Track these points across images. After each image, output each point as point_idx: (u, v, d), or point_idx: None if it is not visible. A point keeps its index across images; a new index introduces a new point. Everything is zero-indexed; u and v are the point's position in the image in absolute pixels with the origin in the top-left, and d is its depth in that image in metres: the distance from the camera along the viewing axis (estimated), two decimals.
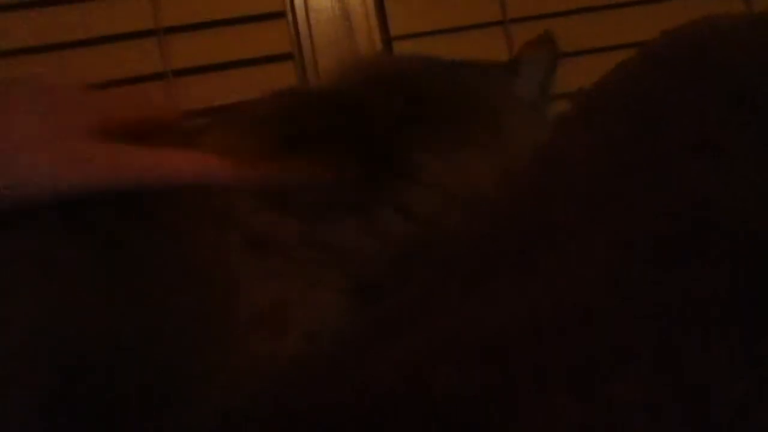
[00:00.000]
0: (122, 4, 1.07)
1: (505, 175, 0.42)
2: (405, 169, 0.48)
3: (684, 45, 0.39)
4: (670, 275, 0.30)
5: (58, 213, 0.41)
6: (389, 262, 0.42)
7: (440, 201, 0.47)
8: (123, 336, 0.40)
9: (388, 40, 1.13)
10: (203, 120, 0.59)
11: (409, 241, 0.44)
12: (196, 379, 0.39)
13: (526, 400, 0.29)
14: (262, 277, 0.41)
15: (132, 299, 0.41)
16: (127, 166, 0.43)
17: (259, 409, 0.37)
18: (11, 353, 0.38)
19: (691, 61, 0.37)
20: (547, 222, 0.35)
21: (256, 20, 1.10)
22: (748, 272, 0.30)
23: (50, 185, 0.41)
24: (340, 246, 0.44)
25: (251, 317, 0.41)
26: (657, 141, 0.35)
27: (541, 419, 0.28)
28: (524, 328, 0.31)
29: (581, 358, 0.29)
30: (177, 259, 0.42)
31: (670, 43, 0.40)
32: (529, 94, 0.68)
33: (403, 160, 0.48)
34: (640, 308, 0.30)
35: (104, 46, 1.06)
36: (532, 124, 0.64)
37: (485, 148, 0.54)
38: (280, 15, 1.11)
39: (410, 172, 0.48)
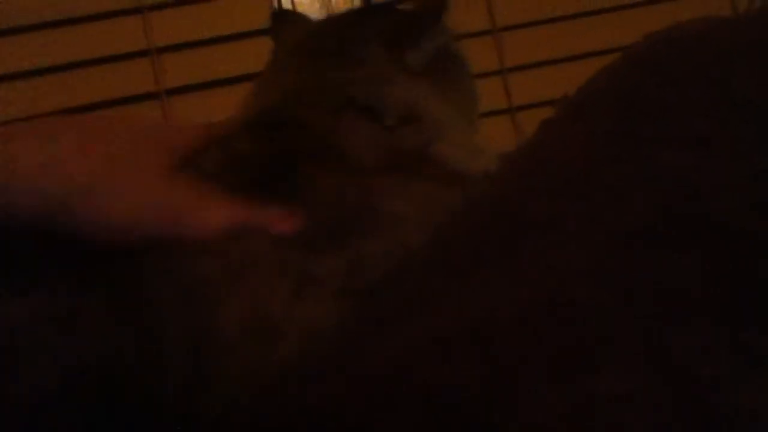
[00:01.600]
0: (115, 25, 1.08)
1: (492, 172, 0.43)
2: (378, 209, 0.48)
3: (668, 44, 0.40)
4: (656, 267, 0.31)
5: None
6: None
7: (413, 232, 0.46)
8: (124, 348, 0.41)
9: None
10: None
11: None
12: (192, 388, 0.40)
13: (514, 394, 0.29)
14: (242, 293, 0.42)
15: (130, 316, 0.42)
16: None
17: (256, 409, 0.37)
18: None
19: (676, 59, 0.38)
20: (533, 217, 0.35)
21: (247, 36, 1.11)
22: (732, 263, 0.30)
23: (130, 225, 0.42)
24: (321, 271, 0.44)
25: (237, 330, 0.41)
26: (640, 135, 0.35)
27: (530, 412, 0.29)
28: (511, 323, 0.31)
29: (569, 350, 0.30)
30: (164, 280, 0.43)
31: (654, 44, 0.40)
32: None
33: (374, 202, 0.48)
34: (628, 299, 0.30)
35: (99, 67, 1.07)
36: None
37: None
38: (269, 31, 1.12)
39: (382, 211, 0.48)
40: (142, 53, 1.08)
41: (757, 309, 0.29)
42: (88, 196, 0.42)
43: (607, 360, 0.29)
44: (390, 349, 0.34)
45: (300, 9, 1.13)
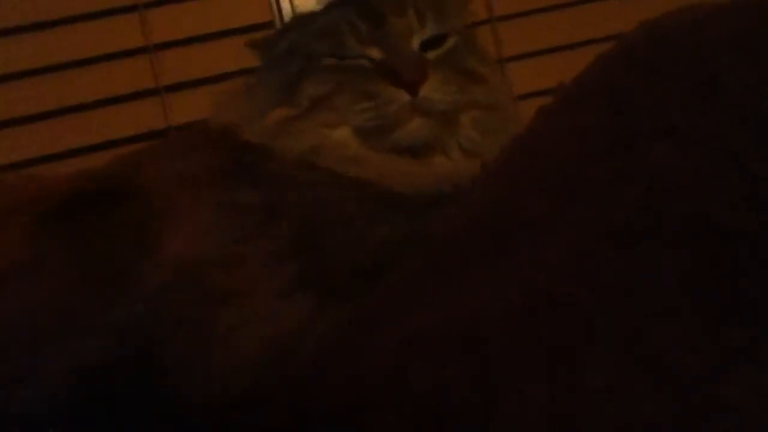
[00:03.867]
0: (112, 24, 1.08)
1: (484, 168, 0.43)
2: None
3: (654, 35, 0.39)
4: (636, 261, 0.31)
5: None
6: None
7: None
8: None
9: None
10: None
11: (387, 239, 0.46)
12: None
13: (505, 392, 0.29)
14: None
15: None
16: None
17: (252, 410, 0.38)
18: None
19: (660, 52, 0.38)
20: (525, 216, 0.35)
21: (245, 31, 1.11)
22: (709, 255, 0.30)
23: None
24: None
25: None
26: (624, 128, 0.35)
27: (518, 409, 0.29)
28: (502, 322, 0.32)
29: (558, 348, 0.30)
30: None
31: (642, 35, 0.40)
32: None
33: None
34: (616, 297, 0.30)
35: (97, 66, 1.07)
36: None
37: None
38: (268, 25, 1.12)
39: None
40: (140, 50, 1.08)
41: (745, 305, 0.29)
42: None
43: (595, 357, 0.29)
44: (385, 349, 0.34)
45: (297, 3, 1.13)
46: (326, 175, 0.57)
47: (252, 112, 0.65)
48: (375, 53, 0.62)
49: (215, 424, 0.40)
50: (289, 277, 0.46)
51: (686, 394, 0.28)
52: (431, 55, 0.63)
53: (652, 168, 0.33)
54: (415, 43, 0.63)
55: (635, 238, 0.32)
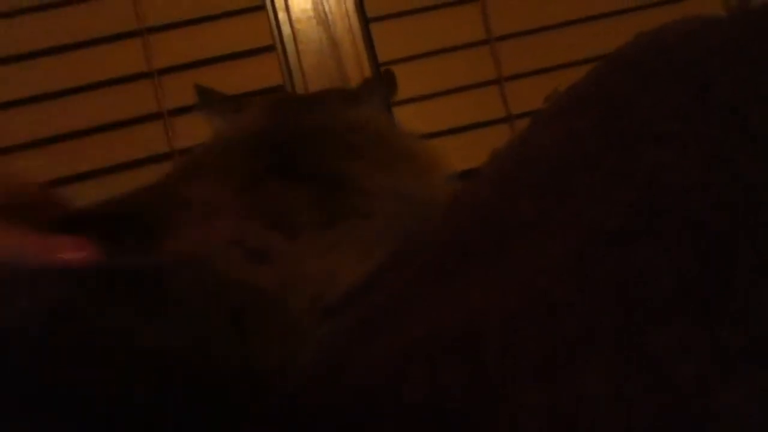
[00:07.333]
0: (116, 49, 1.10)
1: (477, 173, 0.43)
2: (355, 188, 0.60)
3: (649, 43, 0.40)
4: (633, 263, 0.31)
5: None
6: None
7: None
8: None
9: (376, 65, 1.15)
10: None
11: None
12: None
13: (501, 396, 0.29)
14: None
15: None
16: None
17: (248, 421, 0.38)
18: None
19: (654, 59, 0.38)
20: (519, 217, 0.36)
21: (246, 55, 1.13)
22: (707, 256, 0.30)
23: None
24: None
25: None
26: (617, 132, 0.35)
27: (517, 414, 0.28)
28: (499, 326, 0.31)
29: (550, 348, 0.30)
30: None
31: (636, 45, 0.41)
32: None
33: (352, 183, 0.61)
34: (609, 299, 0.30)
35: (101, 91, 1.09)
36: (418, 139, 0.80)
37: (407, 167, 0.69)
38: (269, 48, 1.14)
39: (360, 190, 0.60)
40: (143, 75, 1.10)
41: (744, 306, 0.29)
42: None
43: (590, 361, 0.29)
44: (382, 355, 0.34)
45: (298, 27, 1.14)
46: None
47: None
48: None
49: None
50: None
51: (685, 398, 0.27)
52: None
53: (647, 171, 0.33)
54: None
55: (632, 241, 0.31)
